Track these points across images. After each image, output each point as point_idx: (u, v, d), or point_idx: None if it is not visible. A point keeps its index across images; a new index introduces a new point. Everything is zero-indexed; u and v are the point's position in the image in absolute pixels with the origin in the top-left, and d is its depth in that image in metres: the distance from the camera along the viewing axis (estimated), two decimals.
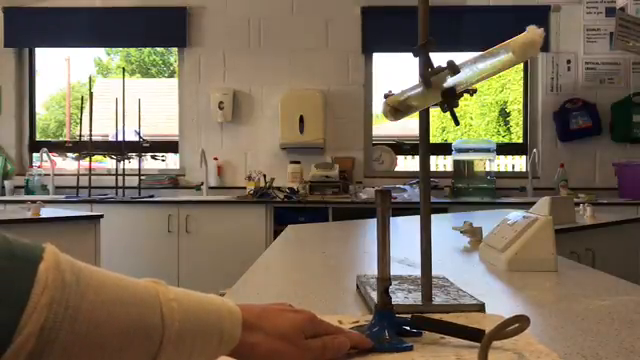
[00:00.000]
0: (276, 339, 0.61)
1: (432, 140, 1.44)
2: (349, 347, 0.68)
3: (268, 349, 0.60)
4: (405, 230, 2.30)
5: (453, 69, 0.79)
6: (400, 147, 5.24)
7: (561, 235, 1.67)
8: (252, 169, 4.80)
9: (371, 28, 4.93)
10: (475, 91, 0.90)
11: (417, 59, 0.86)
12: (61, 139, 9.77)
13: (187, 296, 0.56)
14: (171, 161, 5.52)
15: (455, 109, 0.84)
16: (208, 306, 0.57)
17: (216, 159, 4.93)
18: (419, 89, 0.84)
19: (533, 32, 0.77)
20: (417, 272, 0.97)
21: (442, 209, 4.11)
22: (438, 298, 0.94)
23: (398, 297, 0.93)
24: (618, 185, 4.70)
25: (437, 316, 0.78)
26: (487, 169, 4.75)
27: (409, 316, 0.76)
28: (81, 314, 0.46)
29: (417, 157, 1.91)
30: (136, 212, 4.41)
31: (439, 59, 0.83)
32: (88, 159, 4.86)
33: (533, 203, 2.45)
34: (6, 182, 4.92)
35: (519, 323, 0.69)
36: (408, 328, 0.75)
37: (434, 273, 0.95)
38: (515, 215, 1.46)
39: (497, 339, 0.69)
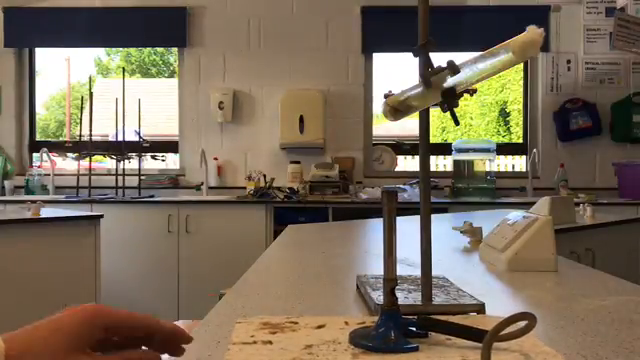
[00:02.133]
0: None
1: (432, 140, 1.44)
2: None
3: None
4: (405, 230, 2.29)
5: (453, 69, 0.79)
6: (400, 147, 5.24)
7: (561, 235, 1.67)
8: (252, 169, 4.80)
9: (371, 28, 4.93)
10: (475, 91, 0.90)
11: (417, 59, 0.86)
12: (61, 139, 9.76)
13: None
14: (171, 161, 5.51)
15: (455, 109, 0.84)
16: None
17: (216, 159, 4.93)
18: (419, 89, 0.84)
19: (533, 32, 0.77)
20: (417, 272, 0.97)
21: (442, 209, 4.10)
22: (438, 298, 0.94)
23: (398, 297, 0.93)
24: (618, 185, 4.70)
25: (443, 317, 0.78)
26: (487, 169, 4.74)
27: (414, 317, 0.76)
28: None
29: (417, 157, 1.91)
30: (136, 212, 4.41)
31: (439, 59, 0.83)
32: (88, 159, 4.86)
33: (533, 203, 2.45)
34: (6, 182, 4.92)
35: (525, 321, 0.68)
36: (414, 329, 0.75)
37: (434, 273, 0.95)
38: (515, 215, 1.46)
39: (505, 339, 0.69)
